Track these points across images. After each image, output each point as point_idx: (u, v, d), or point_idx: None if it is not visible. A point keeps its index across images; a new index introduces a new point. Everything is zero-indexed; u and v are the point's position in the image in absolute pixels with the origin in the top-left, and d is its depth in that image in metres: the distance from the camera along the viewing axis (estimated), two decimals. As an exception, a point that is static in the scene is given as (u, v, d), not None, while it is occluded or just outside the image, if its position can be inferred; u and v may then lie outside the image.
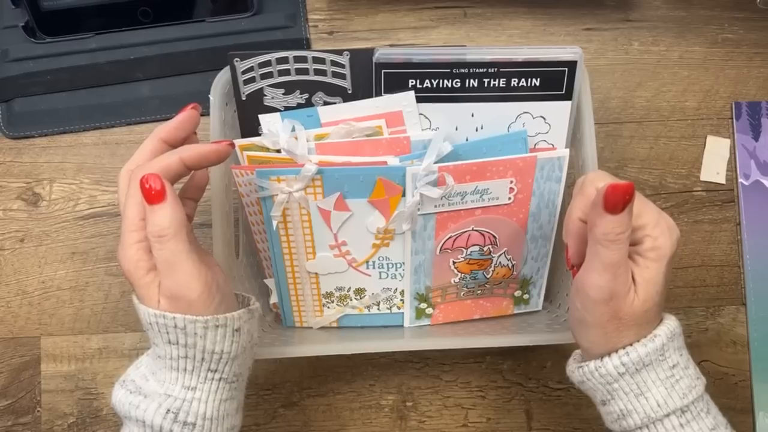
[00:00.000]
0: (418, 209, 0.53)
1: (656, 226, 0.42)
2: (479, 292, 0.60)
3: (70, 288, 0.65)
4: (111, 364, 0.64)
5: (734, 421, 0.45)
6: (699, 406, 0.43)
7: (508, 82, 0.54)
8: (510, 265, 0.59)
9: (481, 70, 0.53)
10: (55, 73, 0.65)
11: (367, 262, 0.57)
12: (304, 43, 0.66)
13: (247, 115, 0.56)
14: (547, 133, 0.56)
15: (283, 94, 0.55)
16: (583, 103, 0.55)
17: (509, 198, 0.54)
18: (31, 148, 0.66)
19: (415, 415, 0.65)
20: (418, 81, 0.53)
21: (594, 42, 0.67)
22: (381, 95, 0.54)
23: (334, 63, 0.54)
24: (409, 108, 0.54)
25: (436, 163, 0.52)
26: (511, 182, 0.54)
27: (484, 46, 0.67)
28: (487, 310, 0.61)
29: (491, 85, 0.54)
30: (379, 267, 0.58)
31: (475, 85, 0.54)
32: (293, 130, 0.54)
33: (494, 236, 0.56)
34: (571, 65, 0.53)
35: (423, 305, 0.60)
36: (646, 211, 0.42)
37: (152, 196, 0.41)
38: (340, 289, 0.59)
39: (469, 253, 0.57)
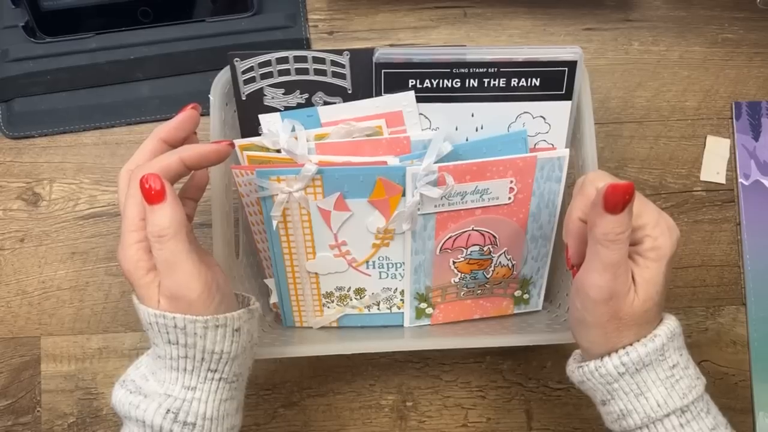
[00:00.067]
0: (418, 209, 0.53)
1: (656, 226, 0.42)
2: (479, 292, 0.60)
3: (70, 288, 0.65)
4: (111, 364, 0.64)
5: (734, 421, 0.45)
6: (699, 406, 0.43)
7: (508, 82, 0.54)
8: (510, 265, 0.59)
9: (481, 70, 0.53)
10: (55, 73, 0.65)
11: (367, 262, 0.57)
12: (304, 43, 0.66)
13: (247, 115, 0.56)
14: (547, 133, 0.56)
15: (283, 94, 0.55)
16: (583, 103, 0.55)
17: (509, 198, 0.54)
18: (31, 148, 0.66)
19: (415, 415, 0.65)
20: (418, 81, 0.53)
21: (594, 42, 0.67)
22: (381, 95, 0.54)
23: (334, 63, 0.54)
24: (409, 108, 0.54)
25: (436, 163, 0.52)
26: (511, 182, 0.54)
27: (484, 46, 0.67)
28: (487, 310, 0.61)
29: (491, 85, 0.54)
30: (379, 267, 0.58)
31: (475, 85, 0.54)
32: (293, 130, 0.54)
33: (494, 236, 0.56)
34: (571, 65, 0.53)
35: (423, 305, 0.60)
36: (646, 211, 0.42)
37: (152, 196, 0.41)
38: (340, 289, 0.59)
39: (469, 253, 0.57)
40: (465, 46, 0.65)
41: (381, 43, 0.67)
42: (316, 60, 0.54)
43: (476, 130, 0.55)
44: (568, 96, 0.54)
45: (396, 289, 0.59)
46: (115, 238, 0.65)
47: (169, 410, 0.42)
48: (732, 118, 0.67)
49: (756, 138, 0.67)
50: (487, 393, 0.65)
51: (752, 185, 0.66)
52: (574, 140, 0.57)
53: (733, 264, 0.66)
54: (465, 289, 0.59)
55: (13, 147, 0.66)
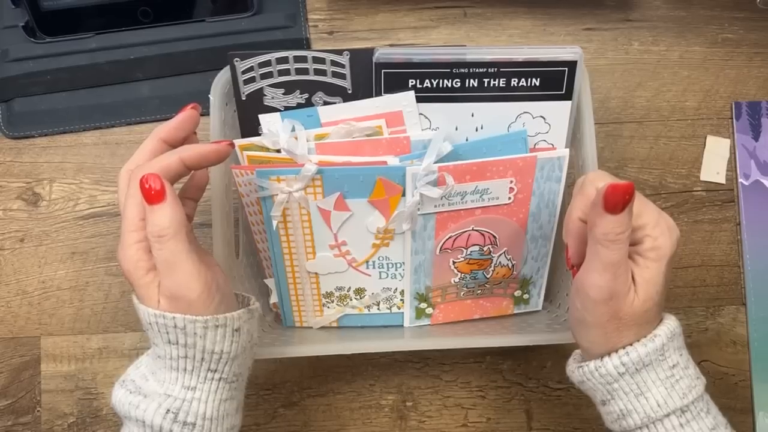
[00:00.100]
0: (418, 209, 0.53)
1: (656, 226, 0.42)
2: (479, 292, 0.60)
3: (70, 288, 0.65)
4: (111, 364, 0.64)
5: (734, 421, 0.45)
6: (699, 406, 0.43)
7: (508, 82, 0.54)
8: (510, 265, 0.59)
9: (481, 70, 0.53)
10: (55, 73, 0.65)
11: (367, 262, 0.57)
12: (304, 43, 0.66)
13: (247, 115, 0.56)
14: (547, 133, 0.56)
15: (283, 94, 0.55)
16: (583, 103, 0.55)
17: (509, 198, 0.54)
18: (31, 148, 0.66)
19: (415, 415, 0.65)
20: (418, 81, 0.53)
21: (594, 42, 0.67)
22: (381, 95, 0.54)
23: (334, 63, 0.54)
24: (409, 108, 0.54)
25: (436, 163, 0.52)
26: (511, 182, 0.54)
27: (484, 46, 0.67)
28: (487, 310, 0.61)
29: (491, 85, 0.54)
30: (379, 267, 0.58)
31: (475, 85, 0.54)
32: (293, 130, 0.54)
33: (494, 236, 0.56)
34: (571, 65, 0.53)
35: (423, 305, 0.60)
36: (646, 211, 0.42)
37: (152, 196, 0.41)
38: (340, 289, 0.59)
39: (469, 253, 0.57)
40: (465, 46, 0.65)
41: (381, 43, 0.67)
42: (316, 60, 0.54)
43: (476, 130, 0.55)
44: (568, 96, 0.54)
45: (396, 289, 0.59)
46: (115, 238, 0.65)
47: (168, 410, 0.42)
48: (732, 118, 0.67)
49: (756, 138, 0.67)
50: (487, 393, 0.65)
51: (752, 185, 0.66)
52: (574, 140, 0.57)
53: (733, 264, 0.66)
54: (465, 289, 0.59)
55: (13, 147, 0.66)
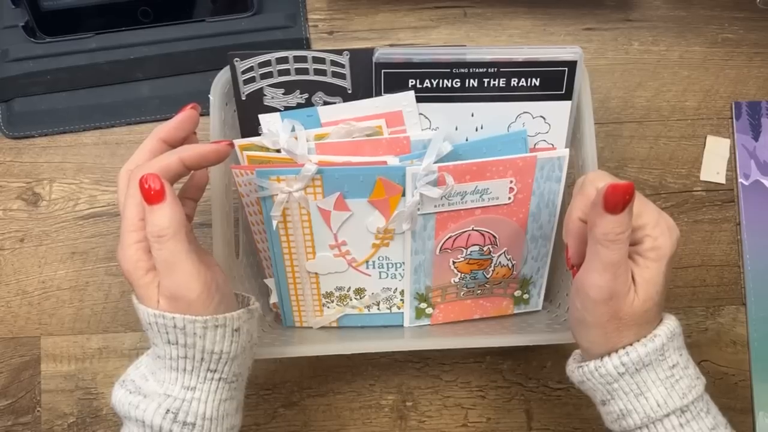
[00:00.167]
0: (418, 209, 0.53)
1: (656, 226, 0.42)
2: (479, 292, 0.60)
3: (70, 288, 0.65)
4: (111, 364, 0.64)
5: (734, 421, 0.45)
6: (699, 406, 0.43)
7: (508, 82, 0.54)
8: (510, 265, 0.59)
9: (481, 70, 0.53)
10: (55, 73, 0.65)
11: (367, 261, 0.57)
12: (304, 43, 0.66)
13: (247, 115, 0.56)
14: (547, 133, 0.56)
15: (283, 93, 0.55)
16: (583, 103, 0.55)
17: (509, 198, 0.54)
18: (31, 148, 0.66)
19: (415, 415, 0.65)
20: (418, 81, 0.53)
21: (594, 42, 0.67)
22: (381, 95, 0.54)
23: (334, 63, 0.54)
24: (409, 108, 0.54)
25: (436, 162, 0.52)
26: (511, 182, 0.54)
27: (484, 46, 0.67)
28: (487, 310, 0.61)
29: (491, 85, 0.54)
30: (379, 267, 0.58)
31: (475, 85, 0.54)
32: (293, 130, 0.54)
33: (494, 236, 0.56)
34: (571, 65, 0.53)
35: (423, 305, 0.60)
36: (646, 211, 0.42)
37: (151, 196, 0.41)
38: (340, 289, 0.59)
39: (469, 253, 0.57)
40: (465, 46, 0.65)
41: (381, 43, 0.67)
42: (316, 60, 0.54)
43: (476, 130, 0.55)
44: (568, 96, 0.54)
45: (396, 289, 0.59)
46: (115, 238, 0.65)
47: (168, 410, 0.42)
48: (732, 118, 0.67)
49: (756, 138, 0.67)
50: (487, 393, 0.65)
51: (752, 185, 0.66)
52: (574, 140, 0.57)
53: (733, 264, 0.66)
54: (465, 289, 0.59)
55: (13, 147, 0.66)
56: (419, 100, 0.54)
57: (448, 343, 0.57)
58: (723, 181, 0.66)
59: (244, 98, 0.55)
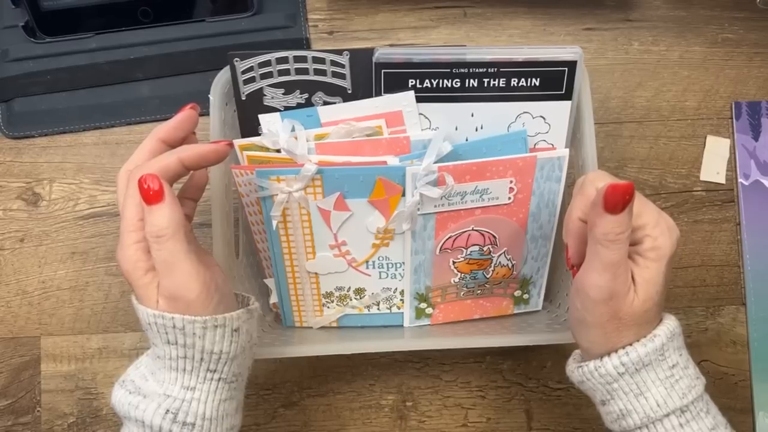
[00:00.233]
0: (418, 209, 0.53)
1: (656, 226, 0.42)
2: (479, 292, 0.60)
3: (70, 288, 0.65)
4: (111, 364, 0.64)
5: (734, 421, 0.45)
6: (698, 406, 0.43)
7: (508, 82, 0.54)
8: (510, 265, 0.59)
9: (481, 70, 0.53)
10: (55, 73, 0.65)
11: (367, 262, 0.57)
12: (304, 43, 0.66)
13: (247, 115, 0.56)
14: (547, 133, 0.56)
15: (283, 94, 0.55)
16: (583, 103, 0.55)
17: (509, 198, 0.54)
18: (31, 148, 0.66)
19: (415, 415, 0.65)
20: (418, 81, 0.53)
21: (594, 42, 0.67)
22: (381, 95, 0.54)
23: (334, 63, 0.54)
24: (408, 108, 0.54)
25: (435, 163, 0.52)
26: (511, 182, 0.54)
27: (484, 46, 0.67)
28: (487, 310, 0.61)
29: (491, 85, 0.54)
30: (379, 267, 0.58)
31: (475, 85, 0.54)
32: (293, 130, 0.54)
33: (494, 236, 0.56)
34: (571, 65, 0.53)
35: (423, 305, 0.60)
36: (645, 211, 0.42)
37: (150, 196, 0.41)
38: (340, 289, 0.59)
39: (468, 253, 0.57)
40: (465, 46, 0.65)
41: (381, 43, 0.67)
42: (315, 60, 0.54)
43: (476, 130, 0.55)
44: (568, 96, 0.54)
45: (396, 289, 0.59)
46: (115, 238, 0.65)
47: (168, 410, 0.42)
48: (732, 118, 0.67)
49: (756, 138, 0.67)
50: (487, 393, 0.65)
51: (752, 185, 0.66)
52: (574, 140, 0.57)
53: (733, 264, 0.66)
54: (465, 289, 0.59)
55: (13, 147, 0.66)
56: (419, 100, 0.54)
57: (448, 343, 0.57)
58: (723, 181, 0.66)
59: (244, 98, 0.55)
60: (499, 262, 0.58)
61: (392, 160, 0.54)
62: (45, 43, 0.65)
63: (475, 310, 0.61)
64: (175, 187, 0.44)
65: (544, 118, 0.55)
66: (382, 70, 0.53)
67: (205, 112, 0.52)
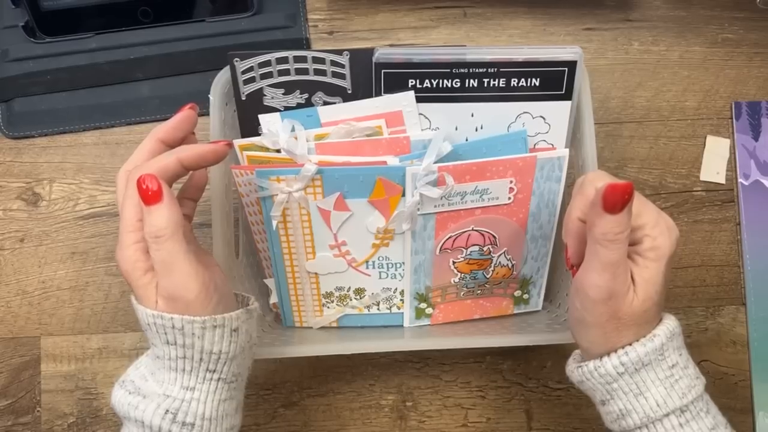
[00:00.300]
0: (418, 209, 0.53)
1: (655, 226, 0.42)
2: (479, 292, 0.60)
3: (70, 288, 0.65)
4: (111, 364, 0.64)
5: (734, 421, 0.45)
6: (698, 406, 0.43)
7: (508, 82, 0.54)
8: (510, 265, 0.59)
9: (481, 70, 0.53)
10: (55, 73, 0.65)
11: (367, 262, 0.57)
12: (304, 43, 0.66)
13: (247, 115, 0.56)
14: (547, 133, 0.56)
15: (283, 94, 0.55)
16: (583, 103, 0.55)
17: (509, 198, 0.54)
18: (31, 148, 0.66)
19: (415, 415, 0.65)
20: (418, 81, 0.53)
21: (594, 42, 0.67)
22: (381, 95, 0.54)
23: (333, 63, 0.54)
24: (408, 108, 0.54)
25: (435, 163, 0.52)
26: (511, 182, 0.54)
27: (484, 46, 0.67)
28: (487, 310, 0.61)
29: (491, 85, 0.54)
30: (378, 267, 0.58)
31: (475, 85, 0.54)
32: (293, 130, 0.54)
33: (494, 236, 0.56)
34: (571, 65, 0.53)
35: (423, 305, 0.60)
36: (645, 211, 0.42)
37: (149, 196, 0.41)
38: (340, 289, 0.59)
39: (468, 253, 0.57)
40: (465, 46, 0.65)
41: (381, 43, 0.67)
42: (315, 60, 0.54)
43: (476, 130, 0.55)
44: (568, 96, 0.54)
45: (396, 289, 0.59)
46: (115, 238, 0.65)
47: (167, 410, 0.42)
48: (732, 118, 0.67)
49: (756, 138, 0.67)
50: (487, 393, 0.65)
51: (752, 185, 0.66)
52: (574, 140, 0.57)
53: (733, 264, 0.66)
54: (465, 289, 0.59)
55: (13, 147, 0.66)
56: (419, 100, 0.54)
57: (448, 343, 0.57)
58: (723, 181, 0.66)
59: (244, 98, 0.55)
60: (499, 262, 0.58)
61: (392, 160, 0.54)
62: (45, 43, 0.65)
63: (475, 310, 0.61)
64: (175, 187, 0.44)
65: (544, 118, 0.55)
66: (382, 70, 0.53)
67: (205, 112, 0.52)
